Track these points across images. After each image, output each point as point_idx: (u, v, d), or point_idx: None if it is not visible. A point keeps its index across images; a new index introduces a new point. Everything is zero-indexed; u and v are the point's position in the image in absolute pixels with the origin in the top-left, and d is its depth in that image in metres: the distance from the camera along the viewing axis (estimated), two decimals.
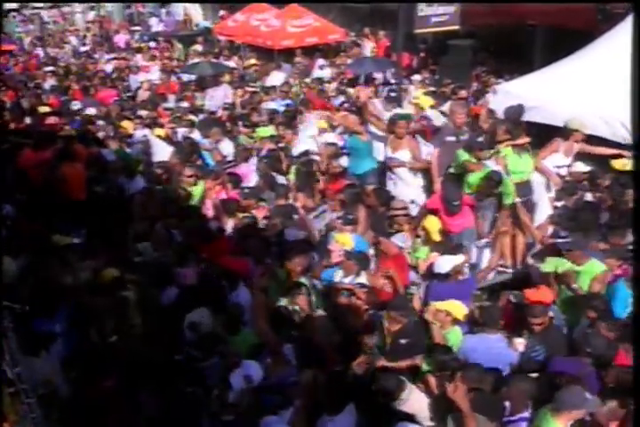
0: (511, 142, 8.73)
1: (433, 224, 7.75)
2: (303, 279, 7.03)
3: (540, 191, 8.78)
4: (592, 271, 6.69)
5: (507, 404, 5.08)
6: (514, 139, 8.73)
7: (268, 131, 11.25)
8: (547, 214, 8.47)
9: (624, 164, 8.49)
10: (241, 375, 5.49)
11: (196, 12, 27.43)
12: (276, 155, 10.32)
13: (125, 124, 12.34)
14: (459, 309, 6.16)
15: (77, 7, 30.71)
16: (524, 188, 8.51)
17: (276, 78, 16.22)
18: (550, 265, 6.79)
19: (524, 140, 8.83)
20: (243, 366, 5.58)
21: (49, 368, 5.77)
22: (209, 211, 9.05)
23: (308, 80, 16.04)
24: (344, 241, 7.40)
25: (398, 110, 10.26)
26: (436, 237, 7.68)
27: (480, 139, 8.89)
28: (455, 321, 6.15)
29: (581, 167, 8.92)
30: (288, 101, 13.92)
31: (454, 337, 6.09)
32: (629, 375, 4.82)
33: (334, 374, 5.59)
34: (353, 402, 5.22)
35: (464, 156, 8.55)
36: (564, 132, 9.02)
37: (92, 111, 13.49)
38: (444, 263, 6.79)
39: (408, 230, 8.05)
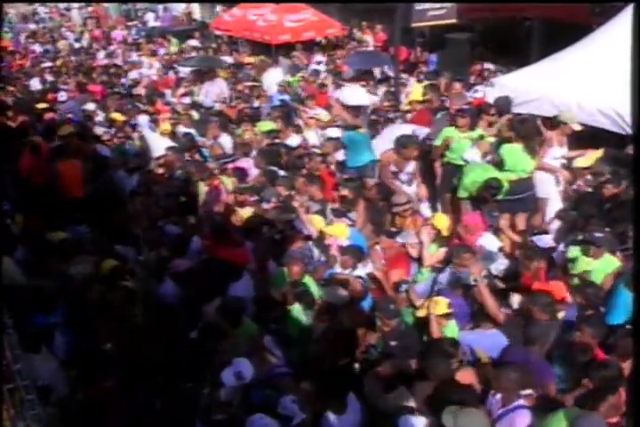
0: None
1: (442, 222, 7.64)
2: (306, 278, 7.01)
3: (548, 187, 8.75)
4: (606, 267, 6.64)
5: (498, 397, 5.09)
6: (519, 135, 8.63)
7: (268, 125, 11.24)
8: (556, 210, 8.49)
9: (587, 159, 8.58)
10: (232, 373, 5.41)
11: (195, 6, 27.46)
12: (275, 149, 10.31)
13: (115, 115, 12.33)
14: (441, 304, 6.10)
15: (74, 3, 30.65)
16: (524, 184, 8.50)
17: (273, 74, 16.21)
18: (575, 253, 6.79)
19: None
20: (233, 363, 5.49)
21: (49, 365, 5.77)
22: (211, 206, 9.04)
23: (305, 74, 15.99)
24: (338, 233, 7.39)
25: None
26: (446, 233, 7.58)
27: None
28: (447, 316, 6.10)
29: (583, 163, 8.85)
30: (285, 97, 13.90)
31: (450, 332, 6.05)
32: (611, 370, 4.94)
33: (334, 370, 5.59)
34: (356, 396, 5.22)
35: (448, 132, 8.60)
36: (554, 124, 8.96)
37: (90, 107, 13.48)
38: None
39: (410, 225, 7.96)
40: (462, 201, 8.36)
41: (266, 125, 11.22)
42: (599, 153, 8.65)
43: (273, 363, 5.71)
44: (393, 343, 5.98)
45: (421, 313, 6.27)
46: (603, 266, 6.67)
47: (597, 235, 6.77)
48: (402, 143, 9.05)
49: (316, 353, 6.00)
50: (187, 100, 14.36)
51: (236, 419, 5.15)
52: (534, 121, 8.96)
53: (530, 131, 8.60)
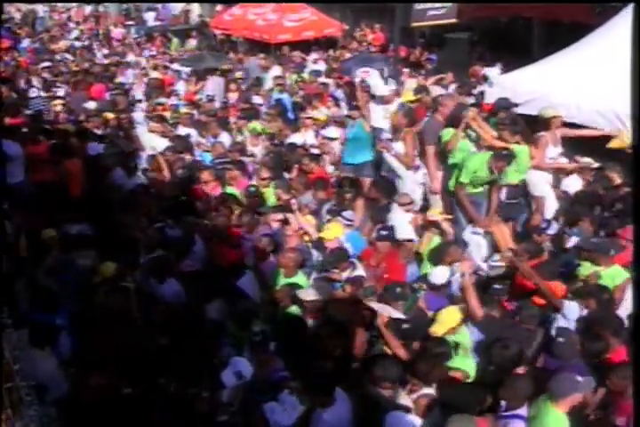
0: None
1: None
2: (299, 275, 7.03)
3: (544, 186, 8.77)
4: (614, 277, 6.59)
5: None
6: (526, 136, 8.64)
7: (258, 125, 11.23)
8: (553, 209, 8.53)
9: (621, 141, 8.45)
10: (232, 373, 5.43)
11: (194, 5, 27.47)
12: (280, 149, 10.34)
13: (107, 115, 12.29)
14: (453, 315, 6.09)
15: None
16: (522, 188, 8.53)
17: (275, 73, 16.20)
18: (584, 269, 6.76)
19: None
20: (232, 363, 5.52)
21: (48, 365, 5.77)
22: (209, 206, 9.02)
23: (304, 75, 15.96)
24: (333, 235, 7.41)
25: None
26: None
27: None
28: (461, 323, 6.06)
29: (591, 163, 8.83)
30: (282, 95, 13.86)
31: (462, 338, 5.98)
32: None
33: (318, 366, 5.57)
34: (345, 389, 5.22)
35: (449, 134, 8.54)
36: (544, 124, 8.92)
37: (91, 105, 13.42)
38: (441, 274, 6.73)
39: (411, 224, 7.94)
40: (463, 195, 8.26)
41: (256, 126, 11.19)
42: (627, 134, 8.42)
43: (274, 366, 5.66)
44: (405, 326, 5.98)
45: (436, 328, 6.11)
46: (611, 275, 6.61)
47: (604, 241, 6.76)
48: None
49: (308, 349, 5.96)
50: (173, 100, 14.27)
51: (238, 419, 5.18)
52: (522, 120, 8.99)
53: (524, 128, 8.64)
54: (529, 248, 7.09)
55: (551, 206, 8.61)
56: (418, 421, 4.99)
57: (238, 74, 15.01)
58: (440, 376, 5.33)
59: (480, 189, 8.34)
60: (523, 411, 5.01)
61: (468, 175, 8.12)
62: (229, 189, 9.20)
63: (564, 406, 4.82)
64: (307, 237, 7.88)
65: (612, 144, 8.60)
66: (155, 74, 16.81)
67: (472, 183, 8.23)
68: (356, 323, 6.14)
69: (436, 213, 7.95)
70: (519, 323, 6.08)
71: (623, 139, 8.45)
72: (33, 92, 14.92)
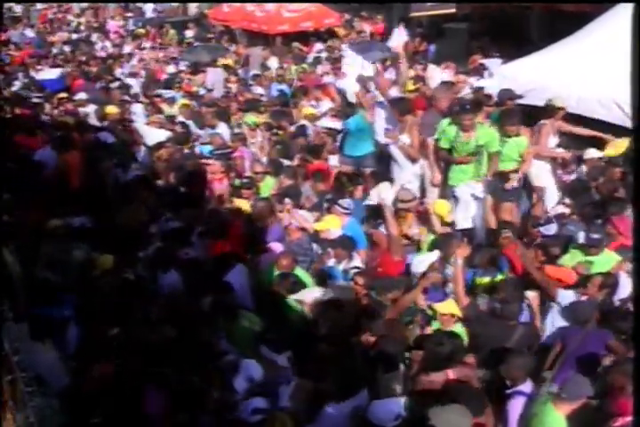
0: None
1: (443, 208, 7.77)
2: (297, 270, 6.99)
3: (545, 176, 8.76)
4: (608, 262, 6.62)
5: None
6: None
7: (253, 117, 11.23)
8: (555, 199, 8.55)
9: (616, 149, 8.44)
10: (243, 379, 5.40)
11: None
12: (285, 141, 10.35)
13: (110, 109, 12.25)
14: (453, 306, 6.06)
15: None
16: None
17: (273, 63, 16.16)
18: (568, 258, 6.77)
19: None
20: (242, 367, 5.49)
21: (48, 357, 5.79)
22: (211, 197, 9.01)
23: (304, 65, 15.90)
24: (329, 226, 7.40)
25: None
26: (448, 219, 7.72)
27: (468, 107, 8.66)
28: (459, 319, 6.02)
29: (595, 153, 8.77)
30: (282, 86, 13.81)
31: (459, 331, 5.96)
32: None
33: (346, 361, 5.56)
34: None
35: (447, 125, 8.54)
36: (548, 112, 8.94)
37: (82, 96, 13.37)
38: (420, 263, 6.61)
39: (411, 222, 7.85)
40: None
41: (250, 118, 11.18)
42: (626, 142, 8.35)
43: (278, 370, 5.59)
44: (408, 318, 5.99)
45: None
46: (604, 261, 6.64)
47: (595, 236, 6.74)
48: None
49: (324, 350, 5.94)
50: (171, 92, 14.20)
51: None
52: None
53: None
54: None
55: (551, 196, 8.61)
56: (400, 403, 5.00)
57: (269, 73, 14.85)
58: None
59: (479, 182, 8.37)
60: (525, 387, 5.09)
61: (442, 137, 8.43)
62: (238, 182, 9.20)
63: (565, 408, 4.80)
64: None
65: (607, 153, 8.57)
66: (153, 66, 16.80)
67: (456, 151, 8.37)
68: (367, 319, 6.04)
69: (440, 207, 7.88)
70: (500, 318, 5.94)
71: (619, 147, 8.45)
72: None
